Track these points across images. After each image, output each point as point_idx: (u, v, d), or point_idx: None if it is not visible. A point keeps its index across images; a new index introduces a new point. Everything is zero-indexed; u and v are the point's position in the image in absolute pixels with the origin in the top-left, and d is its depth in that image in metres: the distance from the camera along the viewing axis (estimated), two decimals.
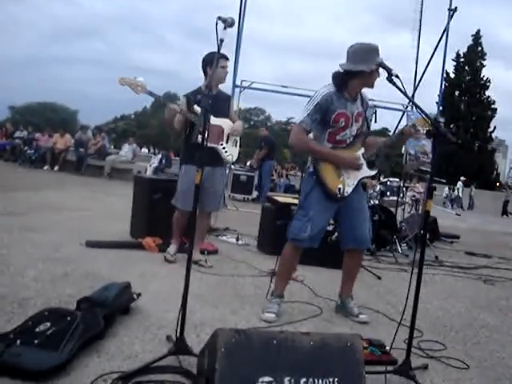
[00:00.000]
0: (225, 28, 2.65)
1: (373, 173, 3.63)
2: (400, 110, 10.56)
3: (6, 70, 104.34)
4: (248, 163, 14.59)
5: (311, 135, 3.50)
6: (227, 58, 4.51)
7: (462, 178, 28.04)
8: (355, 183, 3.49)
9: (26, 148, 16.39)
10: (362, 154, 3.51)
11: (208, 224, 5.02)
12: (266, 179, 13.11)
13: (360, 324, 3.49)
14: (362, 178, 3.57)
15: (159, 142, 48.29)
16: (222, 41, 2.62)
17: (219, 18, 2.64)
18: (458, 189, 24.74)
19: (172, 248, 4.76)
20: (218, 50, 2.60)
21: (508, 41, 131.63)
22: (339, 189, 3.43)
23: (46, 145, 16.31)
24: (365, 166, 3.53)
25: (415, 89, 10.81)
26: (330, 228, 5.05)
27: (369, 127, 3.66)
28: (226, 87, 9.95)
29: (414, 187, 12.26)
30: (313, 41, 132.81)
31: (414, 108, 3.18)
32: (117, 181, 13.96)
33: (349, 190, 3.46)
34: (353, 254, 3.68)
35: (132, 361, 2.46)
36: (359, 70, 3.29)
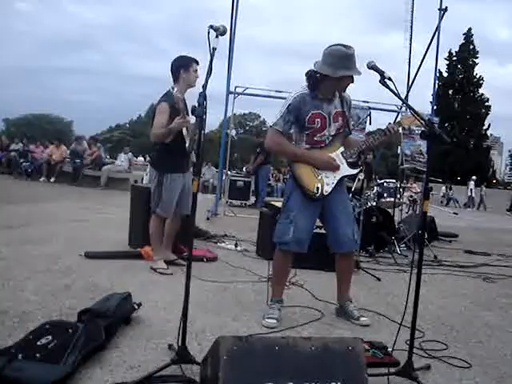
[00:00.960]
0: (217, 36, 2.67)
1: (354, 171, 3.59)
2: (394, 111, 10.57)
3: (0, 82, 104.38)
4: (244, 169, 14.56)
5: (293, 136, 3.56)
6: (198, 63, 4.54)
7: (473, 178, 27.98)
8: (335, 182, 3.48)
9: (21, 160, 16.38)
10: (342, 153, 3.51)
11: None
12: (263, 184, 13.12)
13: (361, 326, 3.49)
14: (343, 177, 3.54)
15: None
16: (214, 49, 2.63)
17: (211, 26, 2.66)
18: (471, 189, 24.65)
19: (161, 262, 4.67)
20: (211, 59, 2.61)
21: (499, 38, 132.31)
22: (317, 188, 3.43)
23: (40, 156, 16.34)
24: (345, 165, 3.51)
25: (408, 89, 10.84)
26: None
27: (364, 128, 3.67)
28: (219, 93, 10.00)
29: (411, 187, 12.30)
30: (306, 44, 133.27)
31: (408, 109, 3.20)
32: (113, 190, 13.95)
33: (328, 189, 3.45)
34: (339, 258, 3.67)
35: (135, 371, 2.45)
36: (324, 73, 3.33)
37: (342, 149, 3.52)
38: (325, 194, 3.45)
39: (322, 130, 3.47)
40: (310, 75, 3.41)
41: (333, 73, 3.29)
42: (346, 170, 3.52)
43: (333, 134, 3.51)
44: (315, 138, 3.49)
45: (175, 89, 4.46)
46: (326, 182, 3.46)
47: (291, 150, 3.53)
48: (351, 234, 3.53)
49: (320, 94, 3.45)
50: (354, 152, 3.52)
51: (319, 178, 3.46)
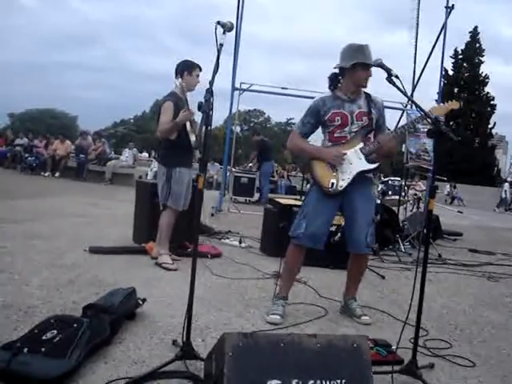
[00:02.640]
0: (224, 32, 2.67)
1: (372, 166, 3.55)
2: (400, 109, 10.54)
3: (5, 78, 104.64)
4: (245, 165, 14.60)
5: (319, 139, 3.67)
6: (201, 70, 4.70)
7: (508, 179, 27.96)
8: (351, 178, 3.47)
9: (26, 155, 16.43)
10: (360, 149, 3.50)
11: None
12: (266, 181, 13.12)
13: (363, 324, 3.49)
14: (361, 172, 3.50)
15: None
16: (221, 45, 2.63)
17: (218, 22, 2.66)
18: (505, 191, 24.63)
19: (166, 257, 4.71)
20: (218, 55, 2.61)
21: (506, 36, 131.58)
22: (332, 183, 3.46)
23: (42, 151, 16.39)
24: (363, 160, 3.50)
25: (414, 87, 10.78)
26: (333, 228, 5.06)
27: (381, 127, 3.65)
28: (225, 90, 9.99)
29: (416, 185, 12.29)
30: (311, 41, 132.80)
31: (414, 106, 3.19)
32: (118, 186, 13.98)
33: (343, 184, 3.46)
34: (353, 257, 3.69)
35: (139, 366, 2.46)
36: (339, 66, 3.46)
37: (361, 144, 3.51)
38: (340, 188, 3.46)
39: (343, 127, 3.51)
40: (331, 76, 3.56)
41: (346, 63, 3.39)
42: (363, 165, 3.50)
43: (355, 130, 3.52)
44: (335, 135, 3.53)
45: (178, 82, 4.59)
46: (342, 178, 3.47)
47: (304, 147, 3.63)
48: (364, 236, 3.50)
49: (342, 95, 3.52)
50: (372, 147, 3.50)
51: (334, 173, 3.48)
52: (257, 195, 13.34)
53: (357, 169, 3.49)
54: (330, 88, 3.57)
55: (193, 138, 4.54)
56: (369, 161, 3.52)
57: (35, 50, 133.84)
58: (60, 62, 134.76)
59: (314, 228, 3.46)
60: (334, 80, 3.55)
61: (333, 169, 3.48)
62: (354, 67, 3.39)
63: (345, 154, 3.46)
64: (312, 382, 1.94)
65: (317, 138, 3.75)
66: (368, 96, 3.59)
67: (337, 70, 3.51)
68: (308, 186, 3.95)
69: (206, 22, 2.74)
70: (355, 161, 3.48)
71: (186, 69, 4.67)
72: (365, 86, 3.54)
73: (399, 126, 3.59)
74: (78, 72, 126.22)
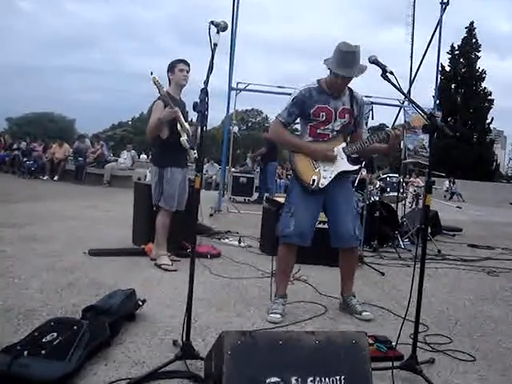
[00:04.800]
0: (218, 32, 2.67)
1: (354, 168, 3.59)
2: (397, 106, 10.55)
3: (2, 81, 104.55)
4: (255, 155, 14.47)
5: (299, 129, 3.63)
6: (186, 63, 4.68)
7: None
8: (332, 176, 3.48)
9: (24, 159, 16.43)
10: (343, 149, 3.51)
11: None
12: (271, 180, 13.12)
13: (365, 321, 3.50)
14: (342, 172, 3.52)
15: None
16: (215, 45, 2.63)
17: (212, 22, 2.66)
18: None
19: (165, 258, 4.72)
20: (212, 54, 2.61)
21: (502, 32, 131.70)
22: (313, 180, 3.45)
23: (39, 154, 16.40)
24: (345, 161, 3.51)
25: (411, 84, 10.78)
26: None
27: (366, 123, 3.66)
28: (222, 90, 10.00)
29: (414, 182, 12.29)
30: (308, 40, 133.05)
31: (410, 103, 3.21)
32: (117, 188, 13.98)
33: (324, 182, 3.46)
34: (342, 253, 3.68)
35: (139, 367, 2.47)
36: (327, 66, 3.42)
37: (344, 144, 3.53)
38: (321, 186, 3.45)
39: (326, 124, 3.49)
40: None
41: (331, 65, 3.37)
42: (345, 166, 3.52)
43: (337, 129, 3.52)
44: (318, 131, 3.51)
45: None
46: (323, 176, 3.46)
47: (291, 140, 3.61)
48: (352, 229, 3.53)
49: (328, 89, 3.49)
50: (355, 148, 3.52)
51: (316, 170, 3.47)
52: (256, 194, 13.34)
53: (339, 168, 3.50)
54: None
55: (184, 137, 4.54)
56: (350, 161, 3.54)
57: (32, 53, 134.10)
58: (57, 65, 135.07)
59: (302, 226, 3.47)
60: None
61: (315, 166, 3.48)
62: (336, 75, 3.37)
63: (331, 150, 3.47)
64: (311, 378, 1.94)
65: None
66: (351, 92, 3.59)
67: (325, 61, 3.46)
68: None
69: (202, 23, 2.74)
70: (338, 160, 3.50)
71: (169, 70, 4.69)
72: (340, 90, 3.52)
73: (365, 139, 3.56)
74: (75, 75, 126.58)
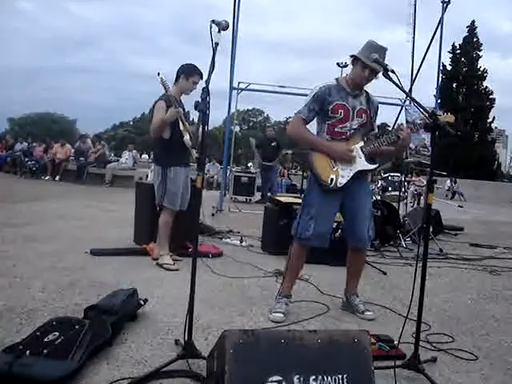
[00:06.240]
0: (219, 31, 2.66)
1: (372, 167, 3.58)
2: (398, 105, 10.55)
3: (4, 82, 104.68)
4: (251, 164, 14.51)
5: (315, 127, 3.59)
6: (202, 77, 4.65)
7: None
8: (350, 175, 3.46)
9: (26, 159, 16.44)
10: (361, 148, 3.50)
11: None
12: (275, 179, 13.10)
13: (367, 320, 3.49)
14: (360, 172, 3.51)
15: None
16: (217, 44, 2.63)
17: (213, 21, 2.65)
18: None
19: (167, 258, 4.72)
20: (214, 54, 2.61)
21: (503, 31, 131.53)
22: (331, 179, 3.42)
23: (40, 155, 16.41)
24: (363, 160, 3.50)
25: (412, 83, 10.79)
26: (334, 225, 5.06)
27: (373, 127, 3.65)
28: (223, 90, 10.00)
29: (416, 181, 12.28)
30: (309, 40, 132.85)
31: (412, 102, 3.21)
32: (118, 188, 13.99)
33: (343, 181, 3.44)
34: (353, 252, 3.69)
35: (142, 366, 2.47)
36: (353, 54, 3.43)
37: (362, 143, 3.51)
38: (338, 185, 3.43)
39: (344, 122, 3.48)
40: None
41: (358, 54, 3.39)
42: (363, 165, 3.50)
43: (355, 127, 3.51)
44: (336, 129, 3.49)
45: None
46: (341, 175, 3.44)
47: (311, 138, 3.55)
48: (366, 230, 3.53)
49: (347, 87, 3.50)
50: (373, 147, 3.51)
51: (334, 169, 3.45)
52: (257, 194, 13.34)
53: (357, 168, 3.48)
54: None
55: (186, 136, 4.54)
56: (368, 160, 3.52)
57: (34, 53, 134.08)
58: (59, 65, 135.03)
59: (322, 229, 3.45)
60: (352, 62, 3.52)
61: (333, 165, 3.46)
62: (357, 61, 3.40)
63: (351, 150, 3.47)
64: (313, 377, 1.94)
65: None
66: (367, 94, 3.60)
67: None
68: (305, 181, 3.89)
69: (204, 23, 2.73)
70: (356, 159, 3.48)
71: (184, 73, 4.67)
72: (361, 86, 3.53)
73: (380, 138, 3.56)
74: (77, 75, 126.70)
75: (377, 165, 3.66)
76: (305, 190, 3.75)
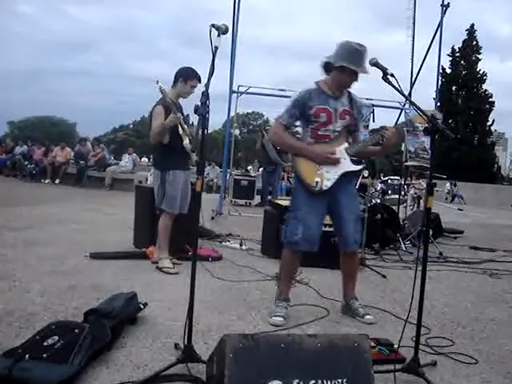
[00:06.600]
0: (218, 35, 2.67)
1: (357, 168, 3.58)
2: (397, 108, 10.55)
3: (3, 85, 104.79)
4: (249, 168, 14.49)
5: (300, 131, 3.61)
6: (200, 81, 4.66)
7: None
8: (336, 178, 3.44)
9: (26, 162, 16.44)
10: (346, 149, 3.49)
11: None
12: (278, 183, 13.06)
13: (367, 324, 3.49)
14: (346, 173, 3.49)
15: None
16: (216, 48, 2.63)
17: (212, 25, 2.66)
18: None
19: (167, 261, 4.71)
20: (213, 57, 2.62)
21: (502, 34, 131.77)
22: (316, 182, 3.41)
23: (40, 158, 16.43)
24: (347, 161, 3.49)
25: (412, 86, 10.80)
26: (332, 229, 5.06)
27: (367, 126, 3.65)
28: (223, 93, 10.00)
29: (416, 184, 12.27)
30: (307, 42, 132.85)
31: (411, 105, 3.22)
32: (118, 191, 13.98)
33: (328, 183, 3.42)
34: (344, 256, 3.67)
35: (141, 370, 2.46)
36: (327, 60, 3.43)
37: (346, 145, 3.51)
38: (324, 188, 3.42)
39: (327, 125, 3.47)
40: (323, 65, 3.52)
41: (335, 61, 3.36)
42: (348, 166, 3.50)
43: (338, 129, 3.50)
44: (319, 133, 3.48)
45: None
46: (327, 177, 3.43)
47: (292, 143, 3.57)
48: (353, 233, 3.53)
49: (327, 90, 3.48)
50: (357, 148, 3.52)
51: (319, 172, 3.43)
52: (257, 197, 13.32)
53: (342, 169, 3.47)
54: (327, 73, 3.51)
55: (186, 140, 4.55)
56: (354, 162, 3.52)
57: (33, 56, 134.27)
58: (58, 68, 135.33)
59: (311, 232, 3.44)
60: (326, 68, 3.50)
61: (318, 168, 3.44)
62: (342, 69, 3.36)
63: (333, 152, 3.45)
64: (313, 381, 1.94)
65: None
66: (349, 94, 3.58)
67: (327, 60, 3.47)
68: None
69: (203, 26, 2.74)
70: (340, 161, 3.47)
71: (183, 76, 4.68)
72: (344, 88, 3.54)
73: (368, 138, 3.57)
74: (76, 78, 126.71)
75: (362, 166, 3.65)
76: (291, 195, 3.75)
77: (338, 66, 3.36)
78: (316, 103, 3.44)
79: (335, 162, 3.45)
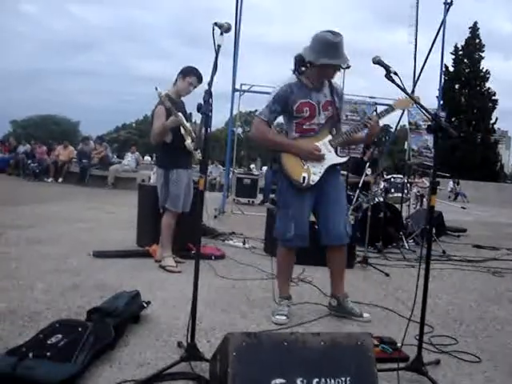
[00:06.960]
0: (221, 33, 2.66)
1: (342, 160, 3.50)
2: None
3: (6, 84, 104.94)
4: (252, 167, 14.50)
5: (284, 126, 3.55)
6: (200, 80, 4.68)
7: None
8: (322, 171, 3.40)
9: (29, 161, 16.48)
10: (330, 141, 3.44)
11: None
12: None
13: (370, 322, 3.47)
14: (332, 166, 3.44)
15: None
16: (219, 46, 2.63)
17: (215, 23, 2.65)
18: None
19: (170, 260, 4.72)
20: (216, 55, 2.62)
21: (505, 31, 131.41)
22: (303, 177, 3.36)
23: (42, 157, 16.46)
24: (332, 153, 3.44)
25: (414, 84, 10.77)
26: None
27: (340, 117, 3.57)
28: (225, 92, 10.01)
29: (419, 182, 12.26)
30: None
31: (415, 103, 3.19)
32: (121, 190, 14.01)
33: (315, 178, 3.38)
34: (332, 251, 3.55)
35: (144, 369, 2.46)
36: (307, 60, 3.32)
37: (330, 137, 3.45)
38: (311, 183, 3.38)
39: (311, 119, 3.41)
40: (297, 59, 3.40)
41: (315, 59, 3.27)
42: (333, 159, 3.44)
43: (323, 122, 3.45)
44: (304, 127, 3.43)
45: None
46: (313, 172, 3.38)
47: (275, 140, 3.51)
48: (342, 226, 3.45)
49: (308, 83, 3.41)
50: (341, 140, 3.46)
51: (305, 167, 3.39)
52: (260, 196, 13.33)
53: (328, 163, 3.42)
54: (294, 72, 3.41)
55: (188, 140, 4.56)
56: (338, 154, 3.49)
57: (36, 56, 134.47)
58: (61, 67, 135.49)
59: (302, 228, 3.41)
60: (300, 63, 3.38)
61: (303, 163, 3.40)
62: (325, 65, 3.27)
63: (318, 149, 3.40)
64: (317, 380, 1.94)
65: None
66: (330, 83, 3.51)
67: (301, 53, 3.35)
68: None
69: (205, 25, 2.74)
70: (326, 154, 3.42)
71: (182, 73, 4.69)
72: (326, 80, 3.48)
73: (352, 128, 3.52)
74: (79, 77, 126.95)
75: (347, 158, 3.60)
76: (277, 189, 3.68)
77: (319, 64, 3.27)
78: (298, 98, 3.37)
79: (320, 159, 3.41)
